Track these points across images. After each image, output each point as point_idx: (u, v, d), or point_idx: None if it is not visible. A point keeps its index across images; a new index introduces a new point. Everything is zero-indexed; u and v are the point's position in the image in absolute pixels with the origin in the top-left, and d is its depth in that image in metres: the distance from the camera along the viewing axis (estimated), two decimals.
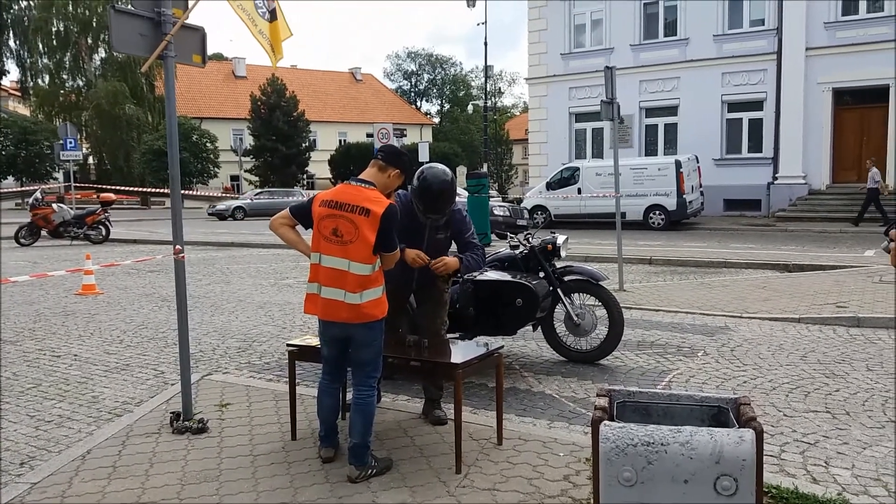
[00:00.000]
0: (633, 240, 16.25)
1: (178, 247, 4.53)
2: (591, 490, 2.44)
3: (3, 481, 3.85)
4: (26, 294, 10.31)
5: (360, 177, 3.81)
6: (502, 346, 4.26)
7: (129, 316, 8.67)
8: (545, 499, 3.48)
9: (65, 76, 44.90)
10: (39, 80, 44.68)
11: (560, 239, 6.28)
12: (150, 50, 4.31)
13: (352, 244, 3.62)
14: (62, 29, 43.33)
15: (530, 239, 6.33)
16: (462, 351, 4.18)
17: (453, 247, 4.69)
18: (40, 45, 43.64)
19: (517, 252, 6.28)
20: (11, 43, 44.77)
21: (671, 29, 23.52)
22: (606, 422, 2.40)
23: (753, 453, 2.24)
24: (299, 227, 4.03)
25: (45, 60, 44.16)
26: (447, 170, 4.39)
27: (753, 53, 21.82)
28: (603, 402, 2.59)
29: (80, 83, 44.88)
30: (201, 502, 3.50)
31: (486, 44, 31.98)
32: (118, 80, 41.28)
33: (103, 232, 18.83)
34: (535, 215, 21.43)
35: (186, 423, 4.49)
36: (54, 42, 43.54)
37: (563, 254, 6.25)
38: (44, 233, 18.44)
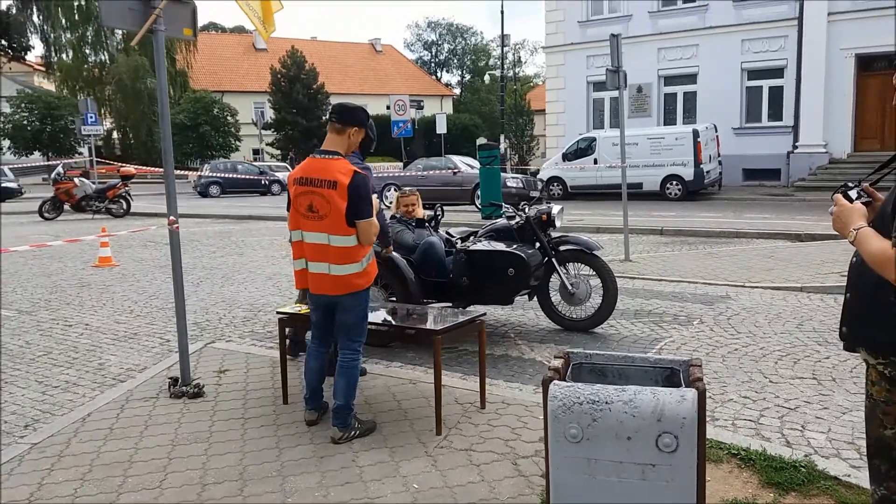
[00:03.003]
0: (648, 210, 16.19)
1: (171, 217, 4.66)
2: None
3: (6, 442, 4.05)
4: (45, 266, 10.60)
5: (323, 147, 3.87)
6: (484, 314, 4.35)
7: (142, 287, 8.89)
8: (518, 458, 3.60)
9: (87, 51, 45.23)
10: (63, 56, 45.09)
11: (555, 209, 6.33)
12: (140, 24, 4.39)
13: (328, 218, 3.71)
14: (84, 3, 43.56)
15: (526, 209, 6.39)
16: (443, 318, 4.28)
17: None
18: (63, 20, 43.97)
19: (513, 223, 6.35)
20: (35, 18, 45.22)
21: None
22: (556, 381, 2.49)
23: (695, 412, 2.31)
24: None
25: (69, 35, 44.50)
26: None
27: (774, 19, 21.34)
28: (558, 363, 2.68)
29: (104, 58, 45.23)
30: (189, 461, 3.67)
31: (502, 12, 31.63)
32: (139, 54, 41.51)
33: (124, 206, 19.16)
34: (551, 187, 21.37)
35: (184, 387, 4.67)
36: (76, 16, 43.82)
37: (558, 224, 6.30)
38: (67, 207, 18.83)
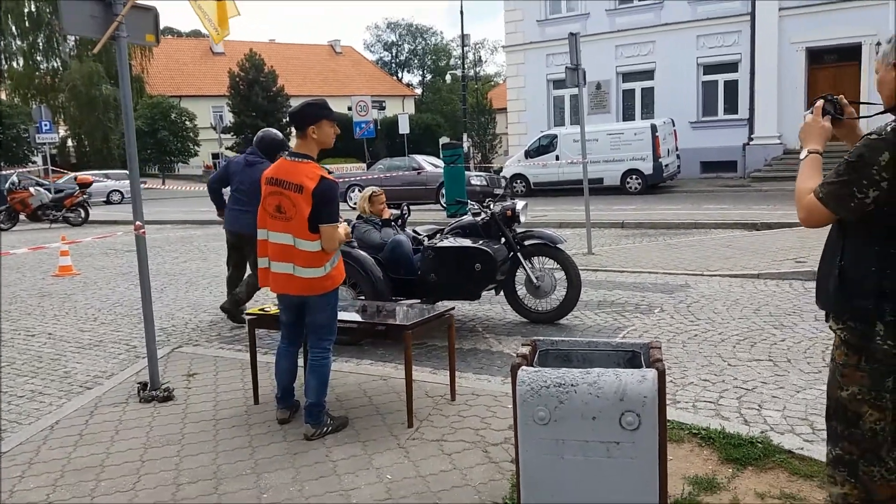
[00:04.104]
0: (609, 204, 16.45)
1: (138, 223, 4.65)
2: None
3: None
4: (3, 277, 10.40)
5: (295, 150, 3.91)
6: (452, 308, 4.43)
7: (105, 295, 8.79)
8: (488, 446, 3.69)
9: (39, 58, 44.18)
10: (14, 63, 44.01)
11: (519, 205, 6.44)
12: (102, 31, 4.37)
13: (293, 220, 3.74)
14: (34, 10, 42.58)
15: (491, 206, 6.49)
16: (413, 314, 4.34)
17: None
18: (13, 27, 42.92)
19: (478, 219, 6.44)
20: None
21: None
22: (524, 367, 2.58)
23: (655, 391, 2.42)
24: None
25: (19, 42, 43.45)
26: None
27: (727, 15, 21.83)
28: (525, 350, 2.77)
29: (56, 64, 44.25)
30: (162, 463, 3.68)
31: (461, 12, 31.79)
32: (93, 60, 40.71)
33: (82, 214, 18.84)
34: (514, 184, 21.56)
35: (153, 392, 4.66)
36: (27, 23, 42.80)
37: (522, 219, 6.42)
38: (22, 217, 18.44)
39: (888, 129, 2.08)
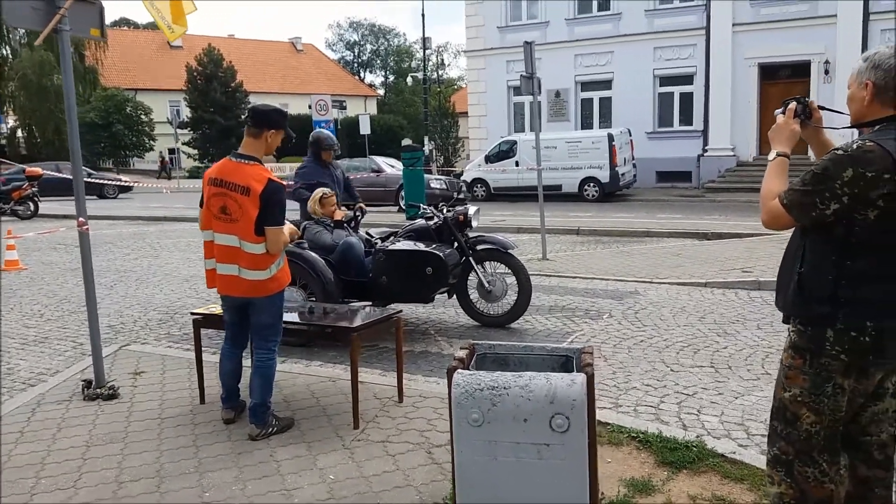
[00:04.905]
0: (566, 211, 16.68)
1: (81, 219, 4.60)
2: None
3: None
4: None
5: (240, 151, 3.89)
6: (400, 311, 4.49)
7: (52, 290, 8.63)
8: (433, 447, 3.75)
9: None
10: None
11: (471, 210, 6.53)
12: (45, 23, 4.31)
13: (239, 222, 3.74)
14: None
15: (444, 210, 6.57)
16: (360, 316, 4.39)
17: None
18: None
19: (431, 223, 6.51)
20: None
21: (605, 4, 23.85)
22: (460, 370, 2.65)
23: (584, 394, 2.52)
24: None
25: None
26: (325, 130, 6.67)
27: (683, 28, 22.31)
28: (462, 353, 2.84)
29: (6, 52, 43.01)
30: (104, 461, 3.66)
31: (423, 15, 31.89)
32: (45, 49, 39.67)
33: (31, 207, 18.40)
34: (474, 188, 21.71)
35: (98, 390, 4.62)
36: None
37: (474, 224, 6.51)
38: None
39: (854, 145, 2.18)
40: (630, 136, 21.11)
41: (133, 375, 5.06)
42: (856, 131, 2.40)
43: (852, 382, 2.31)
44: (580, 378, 2.52)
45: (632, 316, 6.79)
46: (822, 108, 2.55)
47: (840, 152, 2.21)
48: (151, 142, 41.47)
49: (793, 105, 2.50)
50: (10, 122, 41.35)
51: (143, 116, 40.34)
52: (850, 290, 2.22)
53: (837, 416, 2.34)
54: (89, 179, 24.53)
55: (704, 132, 22.48)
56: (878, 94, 2.26)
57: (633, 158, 21.35)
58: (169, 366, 5.30)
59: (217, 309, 4.41)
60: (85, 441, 3.92)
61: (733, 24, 21.32)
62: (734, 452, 3.63)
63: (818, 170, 2.23)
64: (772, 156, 2.46)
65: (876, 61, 2.26)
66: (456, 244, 6.41)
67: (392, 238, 6.57)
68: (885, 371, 2.31)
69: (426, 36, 34.96)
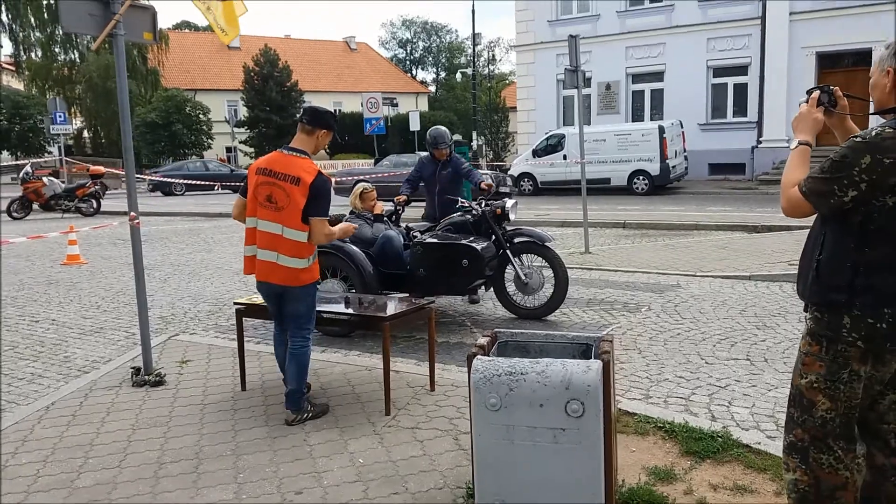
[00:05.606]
0: (614, 205, 16.54)
1: (132, 213, 4.83)
2: None
3: None
4: (12, 265, 10.66)
5: (291, 145, 4.07)
6: (433, 301, 4.59)
7: (110, 284, 9.01)
8: (460, 434, 3.84)
9: (57, 49, 44.72)
10: (32, 55, 44.57)
11: (509, 203, 6.58)
12: (100, 29, 4.55)
13: (285, 210, 3.91)
14: (53, 2, 43.06)
15: (482, 204, 6.63)
16: (394, 306, 4.50)
17: None
18: (32, 19, 43.43)
19: (468, 217, 6.58)
20: (4, 17, 44.57)
21: None
22: (479, 356, 2.73)
23: (599, 380, 2.56)
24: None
25: (38, 34, 43.98)
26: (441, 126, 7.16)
27: (738, 18, 21.82)
28: (484, 341, 2.91)
29: (73, 56, 44.76)
30: (148, 443, 3.86)
31: (473, 11, 31.88)
32: (110, 52, 41.09)
33: (94, 204, 19.11)
34: (521, 182, 21.67)
35: (146, 377, 4.84)
36: (45, 15, 43.31)
37: (512, 217, 6.56)
38: (36, 206, 18.76)
39: (873, 133, 2.19)
40: (682, 127, 20.76)
41: (180, 364, 5.28)
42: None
43: (869, 369, 2.30)
44: (596, 364, 2.57)
45: (671, 309, 6.74)
46: (849, 95, 2.54)
47: (858, 139, 2.21)
48: (210, 140, 42.54)
49: (815, 94, 2.50)
50: (77, 123, 42.98)
51: (201, 116, 41.40)
52: (868, 277, 2.22)
53: (853, 402, 2.34)
54: (159, 178, 25.47)
55: (759, 123, 21.94)
56: None
57: (685, 151, 20.99)
58: (214, 355, 5.51)
59: (259, 299, 4.57)
60: (131, 425, 4.13)
61: (790, 13, 20.74)
62: (759, 443, 3.62)
63: (836, 157, 2.23)
64: (794, 144, 2.47)
65: None
66: (493, 237, 6.47)
67: (431, 231, 6.67)
68: None
69: (476, 31, 35.00)
